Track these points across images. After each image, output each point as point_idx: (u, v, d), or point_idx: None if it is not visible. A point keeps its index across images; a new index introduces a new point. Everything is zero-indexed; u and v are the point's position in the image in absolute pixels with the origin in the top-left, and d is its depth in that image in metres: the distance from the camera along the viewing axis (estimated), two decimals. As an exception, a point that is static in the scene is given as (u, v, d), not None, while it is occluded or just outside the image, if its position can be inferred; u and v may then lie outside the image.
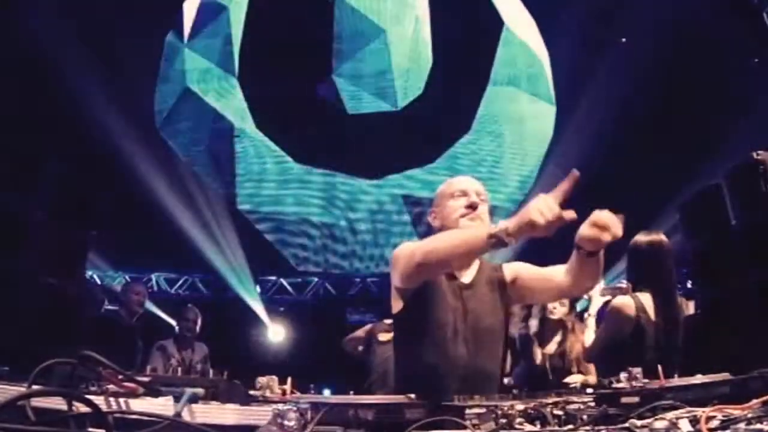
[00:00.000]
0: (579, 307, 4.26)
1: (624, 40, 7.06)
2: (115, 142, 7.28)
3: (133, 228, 7.17)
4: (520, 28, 8.71)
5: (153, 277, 8.46)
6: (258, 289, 8.46)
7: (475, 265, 2.14)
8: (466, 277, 2.11)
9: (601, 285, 3.33)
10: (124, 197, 6.79)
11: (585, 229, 1.76)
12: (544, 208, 1.63)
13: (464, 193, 2.13)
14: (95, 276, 7.92)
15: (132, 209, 7.16)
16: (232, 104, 8.51)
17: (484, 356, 1.99)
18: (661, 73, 6.93)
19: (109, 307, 5.16)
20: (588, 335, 3.26)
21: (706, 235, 3.41)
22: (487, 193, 2.22)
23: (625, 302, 2.98)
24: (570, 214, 1.65)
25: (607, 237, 1.72)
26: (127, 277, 8.24)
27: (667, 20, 6.67)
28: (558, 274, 2.01)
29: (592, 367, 3.85)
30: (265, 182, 8.67)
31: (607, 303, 3.31)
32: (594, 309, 3.31)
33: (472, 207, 2.09)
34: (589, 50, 7.30)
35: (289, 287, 8.67)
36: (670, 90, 6.96)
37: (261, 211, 8.56)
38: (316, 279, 8.64)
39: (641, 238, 3.10)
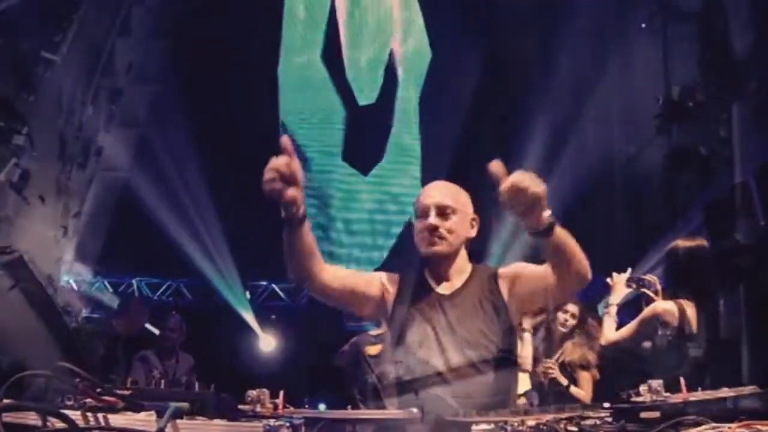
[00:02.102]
0: (601, 309, 4.27)
1: (644, 25, 7.06)
2: (96, 138, 7.28)
3: (112, 230, 7.16)
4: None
5: (134, 282, 8.44)
6: (248, 294, 8.45)
7: (465, 272, 2.10)
8: (446, 287, 2.08)
9: (627, 274, 3.34)
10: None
11: (502, 203, 1.64)
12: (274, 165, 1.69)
13: (424, 213, 2.03)
14: (72, 281, 7.92)
15: (112, 209, 7.16)
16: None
17: (479, 367, 1.97)
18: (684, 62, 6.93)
19: (90, 315, 5.16)
20: (608, 324, 3.25)
21: (734, 237, 3.42)
22: (463, 198, 2.09)
23: (669, 309, 2.99)
24: (284, 159, 1.68)
25: (523, 199, 1.62)
26: (106, 282, 8.23)
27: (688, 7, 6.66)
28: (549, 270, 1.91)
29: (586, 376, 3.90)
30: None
31: (637, 298, 3.30)
32: (616, 299, 3.30)
33: (429, 230, 2.00)
34: (604, 38, 7.29)
35: (281, 293, 8.65)
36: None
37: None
38: (311, 284, 8.62)
39: (684, 243, 3.10)
